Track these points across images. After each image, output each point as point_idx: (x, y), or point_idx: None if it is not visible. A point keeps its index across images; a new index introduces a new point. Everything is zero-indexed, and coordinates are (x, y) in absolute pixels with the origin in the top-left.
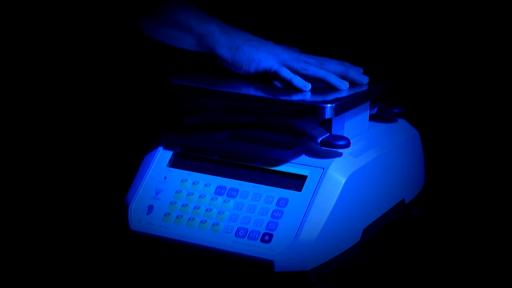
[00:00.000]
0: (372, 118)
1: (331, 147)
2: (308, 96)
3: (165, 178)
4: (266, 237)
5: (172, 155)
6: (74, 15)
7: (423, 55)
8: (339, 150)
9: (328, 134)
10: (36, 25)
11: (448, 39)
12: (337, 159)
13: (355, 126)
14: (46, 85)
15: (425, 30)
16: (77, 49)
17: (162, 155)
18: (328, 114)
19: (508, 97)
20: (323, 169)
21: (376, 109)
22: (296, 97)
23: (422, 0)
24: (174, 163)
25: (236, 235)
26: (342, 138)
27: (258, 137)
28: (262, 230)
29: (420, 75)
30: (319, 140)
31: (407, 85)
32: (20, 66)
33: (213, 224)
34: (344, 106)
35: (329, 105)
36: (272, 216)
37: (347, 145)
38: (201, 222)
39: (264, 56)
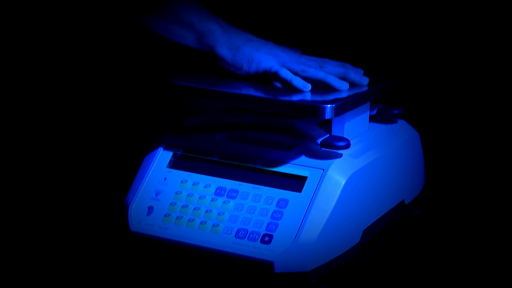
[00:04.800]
0: (372, 119)
1: (331, 148)
2: (308, 97)
3: (165, 179)
4: (266, 238)
5: (172, 156)
6: (75, 9)
7: (422, 56)
8: (339, 151)
9: (328, 135)
10: (37, 23)
11: (448, 40)
12: (337, 160)
13: (355, 127)
14: (46, 85)
15: (425, 31)
16: (77, 48)
17: (162, 156)
18: (328, 114)
19: (508, 98)
20: (323, 170)
21: (376, 110)
22: (296, 98)
23: (422, 1)
24: (174, 164)
25: (236, 236)
26: (342, 139)
27: (258, 138)
28: (262, 231)
29: (420, 76)
30: (319, 141)
31: (407, 86)
32: (21, 65)
33: (213, 225)
34: (344, 106)
35: (329, 105)
36: (272, 217)
37: (347, 146)
38: (201, 223)
39: (264, 57)
